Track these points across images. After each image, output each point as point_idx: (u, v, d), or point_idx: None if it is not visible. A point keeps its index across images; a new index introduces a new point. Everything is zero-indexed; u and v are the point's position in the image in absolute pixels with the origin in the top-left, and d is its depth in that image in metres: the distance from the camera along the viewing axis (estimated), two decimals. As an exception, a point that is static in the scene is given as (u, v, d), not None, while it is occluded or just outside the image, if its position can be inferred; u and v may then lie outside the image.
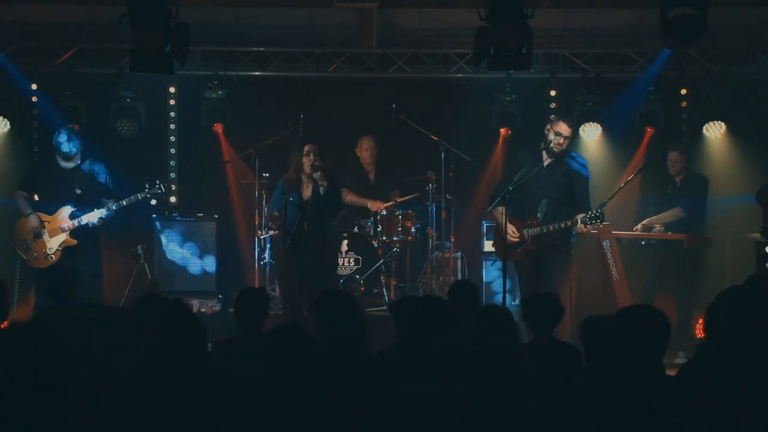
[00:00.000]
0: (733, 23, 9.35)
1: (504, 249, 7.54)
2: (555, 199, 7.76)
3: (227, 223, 10.00)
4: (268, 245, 9.51)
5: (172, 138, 10.25)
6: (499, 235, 7.91)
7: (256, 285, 9.52)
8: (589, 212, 7.53)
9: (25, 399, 2.90)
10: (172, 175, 10.19)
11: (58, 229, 8.00)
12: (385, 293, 9.29)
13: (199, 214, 9.72)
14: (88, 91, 9.76)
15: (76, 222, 7.97)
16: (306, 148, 7.88)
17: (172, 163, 10.24)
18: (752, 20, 9.54)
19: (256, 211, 9.71)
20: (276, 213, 7.90)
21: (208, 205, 9.96)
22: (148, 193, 8.23)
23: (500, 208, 7.65)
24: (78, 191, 8.05)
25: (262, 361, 3.76)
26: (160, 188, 8.25)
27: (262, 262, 9.68)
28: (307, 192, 7.91)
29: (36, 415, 2.91)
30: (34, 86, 9.78)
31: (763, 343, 3.92)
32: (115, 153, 9.39)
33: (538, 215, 7.76)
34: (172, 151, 10.26)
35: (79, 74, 9.74)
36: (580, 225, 7.58)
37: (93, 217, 7.97)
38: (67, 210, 8.03)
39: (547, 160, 7.83)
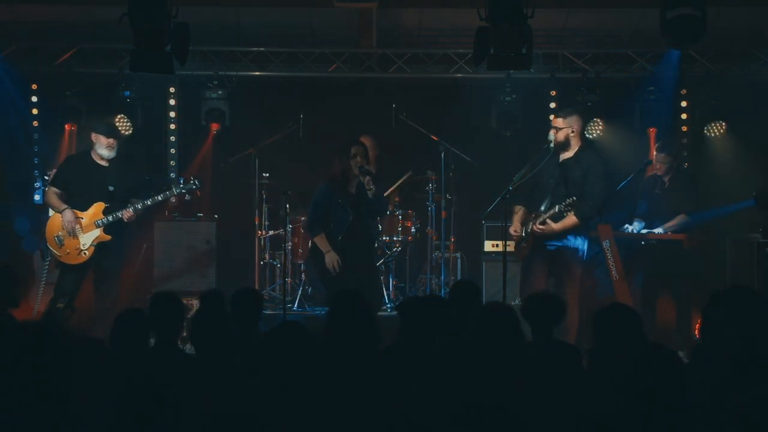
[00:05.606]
0: (733, 23, 9.35)
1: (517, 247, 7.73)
2: (561, 195, 7.73)
3: (227, 223, 9.99)
4: (268, 245, 9.53)
5: (172, 138, 10.26)
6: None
7: (257, 285, 9.55)
8: (563, 203, 7.47)
9: (33, 397, 2.90)
10: (172, 175, 10.19)
11: (92, 225, 8.04)
12: (385, 293, 9.28)
13: (199, 214, 9.71)
14: (88, 91, 9.76)
15: (110, 218, 8.03)
16: (352, 150, 7.87)
17: (172, 163, 10.24)
18: (752, 20, 9.54)
19: (256, 211, 9.72)
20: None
21: (208, 205, 9.96)
22: (183, 188, 8.30)
23: (516, 206, 7.86)
24: (111, 188, 8.10)
25: (261, 359, 3.77)
26: (194, 183, 8.34)
27: (262, 262, 9.69)
28: (352, 192, 7.93)
29: (44, 413, 2.90)
30: (34, 86, 9.80)
31: (757, 344, 3.92)
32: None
33: (541, 209, 7.76)
34: (172, 151, 10.26)
35: (79, 74, 9.74)
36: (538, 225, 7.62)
37: (127, 213, 8.03)
38: (100, 206, 8.08)
39: (563, 156, 7.78)
